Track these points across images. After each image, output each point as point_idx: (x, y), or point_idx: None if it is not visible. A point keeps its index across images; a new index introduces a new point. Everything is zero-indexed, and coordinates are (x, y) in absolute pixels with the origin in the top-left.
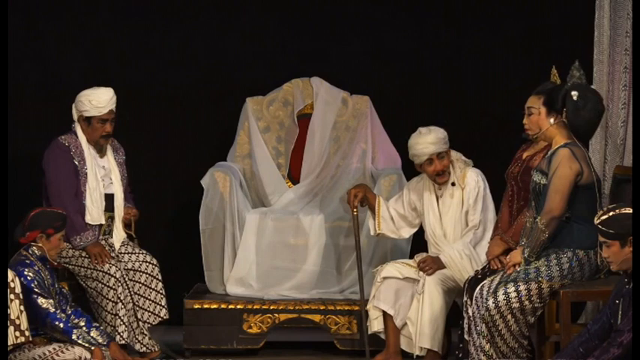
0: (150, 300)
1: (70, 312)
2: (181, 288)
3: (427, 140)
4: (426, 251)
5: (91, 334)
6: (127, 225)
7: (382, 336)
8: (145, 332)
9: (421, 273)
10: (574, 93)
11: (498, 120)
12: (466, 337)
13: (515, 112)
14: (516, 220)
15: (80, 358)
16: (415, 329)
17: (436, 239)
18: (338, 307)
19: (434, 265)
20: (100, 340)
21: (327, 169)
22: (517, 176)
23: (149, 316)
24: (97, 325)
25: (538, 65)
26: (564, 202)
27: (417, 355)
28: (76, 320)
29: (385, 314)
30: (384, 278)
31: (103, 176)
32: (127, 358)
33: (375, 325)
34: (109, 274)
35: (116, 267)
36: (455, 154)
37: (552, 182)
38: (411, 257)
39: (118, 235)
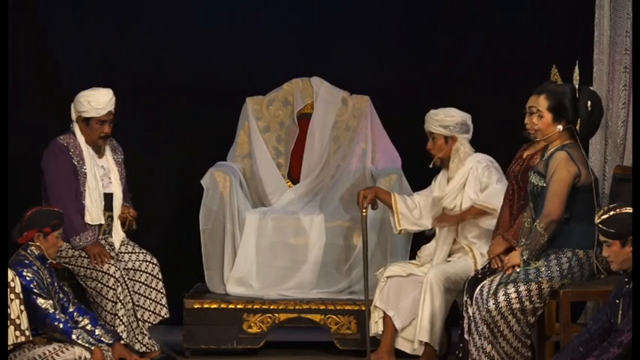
0: (150, 299)
1: (72, 309)
2: (181, 288)
3: (432, 116)
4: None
5: (96, 333)
6: (122, 224)
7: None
8: (145, 332)
9: (425, 269)
10: (589, 103)
11: (499, 120)
12: (466, 336)
13: (515, 111)
14: (517, 219)
15: (80, 358)
16: (415, 323)
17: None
18: (338, 307)
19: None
20: (106, 339)
21: (327, 169)
22: (517, 175)
23: (150, 315)
24: (103, 323)
25: (538, 65)
26: (563, 206)
27: (415, 354)
28: (80, 318)
29: (384, 314)
30: (388, 278)
31: (102, 176)
32: (132, 357)
33: (379, 326)
34: (109, 274)
35: (115, 267)
36: (462, 150)
37: (550, 186)
38: (412, 257)
39: (118, 234)
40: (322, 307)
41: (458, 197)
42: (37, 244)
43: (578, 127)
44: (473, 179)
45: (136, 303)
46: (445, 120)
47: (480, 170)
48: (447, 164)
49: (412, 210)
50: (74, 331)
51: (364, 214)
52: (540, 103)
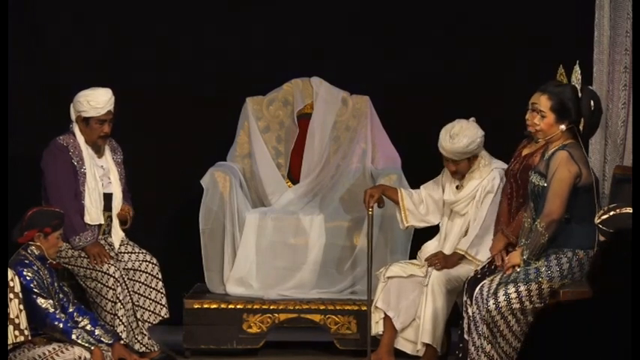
0: (150, 299)
1: (72, 309)
2: (181, 288)
3: (451, 148)
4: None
5: (96, 333)
6: (122, 222)
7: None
8: (145, 332)
9: (428, 270)
10: (592, 102)
11: (498, 119)
12: (466, 336)
13: (515, 111)
14: (516, 216)
15: (80, 358)
16: (415, 324)
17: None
18: (338, 307)
19: (443, 261)
20: (105, 339)
21: (326, 169)
22: (516, 174)
23: (149, 315)
24: (103, 323)
25: (538, 65)
26: (563, 205)
27: (416, 354)
28: (80, 318)
29: (385, 315)
30: (388, 278)
31: (101, 176)
32: (132, 357)
33: (379, 326)
34: (108, 274)
35: (115, 267)
36: (482, 162)
37: (551, 186)
38: (412, 257)
39: (117, 234)
40: (322, 307)
41: (470, 205)
42: (38, 244)
43: (582, 127)
44: (482, 190)
45: (136, 303)
46: (466, 150)
47: (488, 188)
48: (459, 176)
49: (418, 205)
50: (74, 331)
51: (370, 212)
52: (543, 102)
